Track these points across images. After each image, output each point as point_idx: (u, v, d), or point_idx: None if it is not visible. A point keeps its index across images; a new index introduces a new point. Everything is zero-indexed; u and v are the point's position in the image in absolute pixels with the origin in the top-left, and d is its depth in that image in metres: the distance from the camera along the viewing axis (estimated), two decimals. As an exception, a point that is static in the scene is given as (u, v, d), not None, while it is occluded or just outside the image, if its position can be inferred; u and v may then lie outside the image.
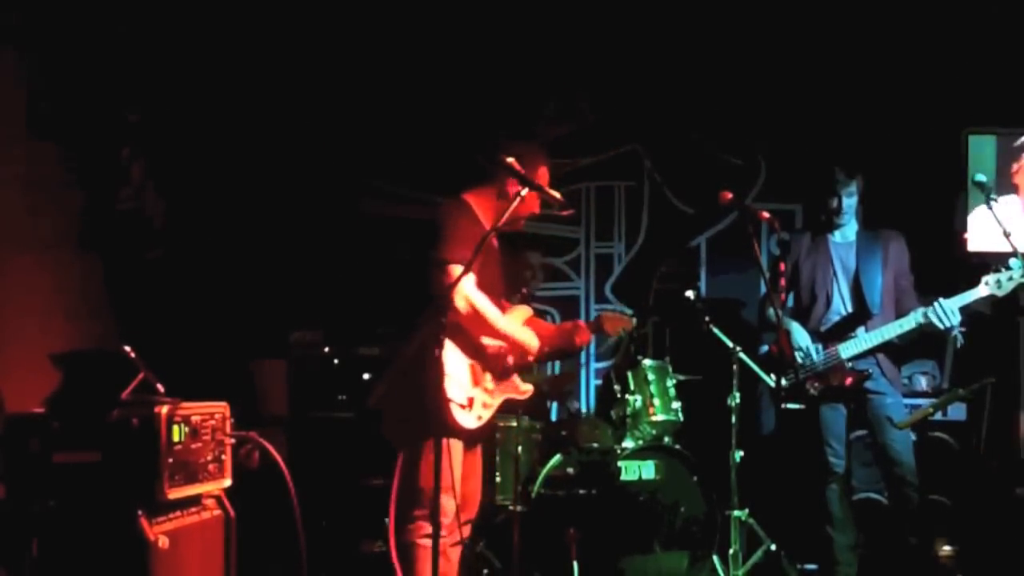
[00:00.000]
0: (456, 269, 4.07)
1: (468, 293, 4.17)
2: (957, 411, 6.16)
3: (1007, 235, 5.16)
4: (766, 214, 4.75)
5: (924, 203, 6.48)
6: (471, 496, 4.42)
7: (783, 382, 5.20)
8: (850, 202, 5.44)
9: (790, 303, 5.63)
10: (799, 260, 5.54)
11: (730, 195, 4.60)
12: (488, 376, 4.39)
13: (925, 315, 5.16)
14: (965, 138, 6.32)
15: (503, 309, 4.44)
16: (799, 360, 5.30)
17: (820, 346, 5.36)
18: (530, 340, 4.44)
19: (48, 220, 5.31)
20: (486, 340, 4.35)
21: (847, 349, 5.30)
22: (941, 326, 5.16)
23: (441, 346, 3.88)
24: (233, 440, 4.25)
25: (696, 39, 6.76)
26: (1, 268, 4.99)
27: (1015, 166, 6.32)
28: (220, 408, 4.22)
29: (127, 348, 4.42)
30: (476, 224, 4.29)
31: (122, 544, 3.81)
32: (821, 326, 5.42)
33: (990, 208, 5.21)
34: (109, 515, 3.83)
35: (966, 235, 6.21)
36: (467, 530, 4.39)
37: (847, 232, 5.51)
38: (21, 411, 4.33)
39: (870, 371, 5.27)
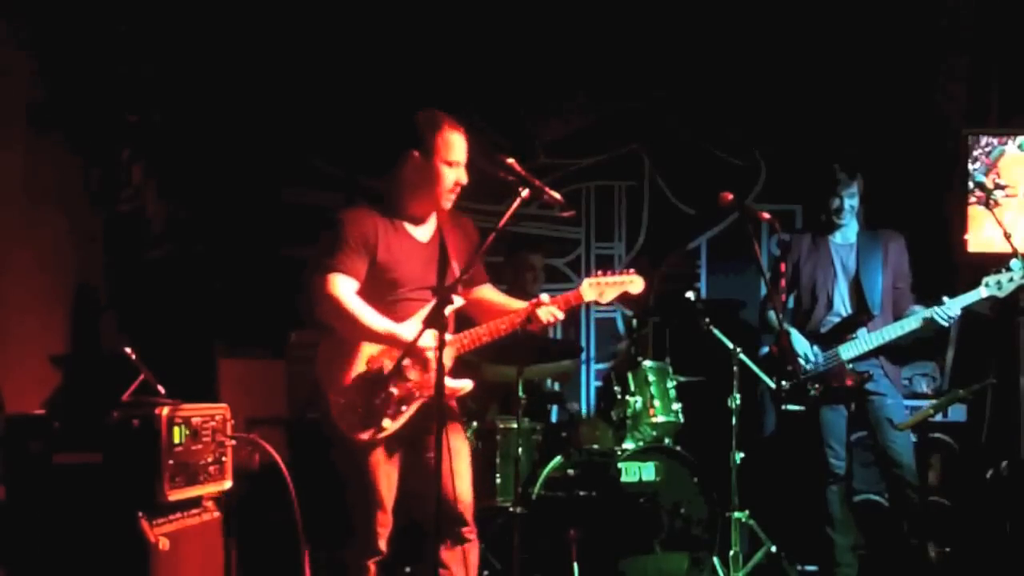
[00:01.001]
0: (335, 277, 3.93)
1: (339, 296, 3.93)
2: (957, 412, 6.16)
3: (1007, 236, 5.16)
4: (766, 215, 4.74)
5: (924, 204, 6.47)
6: (461, 501, 4.08)
7: (784, 384, 5.21)
8: (851, 203, 5.44)
9: (790, 304, 5.63)
10: (799, 261, 5.54)
11: (730, 196, 4.60)
12: (396, 380, 3.98)
13: (927, 317, 5.16)
14: (965, 138, 6.32)
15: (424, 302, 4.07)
16: (799, 364, 5.29)
17: (818, 348, 5.36)
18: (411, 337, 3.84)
19: (48, 220, 5.30)
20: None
21: (847, 350, 5.30)
22: (943, 324, 5.17)
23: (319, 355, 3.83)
24: (234, 442, 4.25)
25: (697, 39, 6.76)
26: (1, 267, 4.98)
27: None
28: (220, 409, 4.22)
29: (127, 349, 4.41)
30: (370, 225, 4.02)
31: (122, 546, 3.81)
32: (821, 328, 5.42)
33: (990, 209, 5.21)
34: (109, 516, 3.83)
35: (966, 236, 6.21)
36: (470, 533, 4.12)
37: (848, 233, 5.51)
38: (21, 411, 4.33)
39: (871, 372, 5.27)
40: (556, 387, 6.53)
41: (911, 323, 5.21)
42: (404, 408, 3.99)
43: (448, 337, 4.01)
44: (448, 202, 4.10)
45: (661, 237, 7.14)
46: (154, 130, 6.06)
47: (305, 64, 6.60)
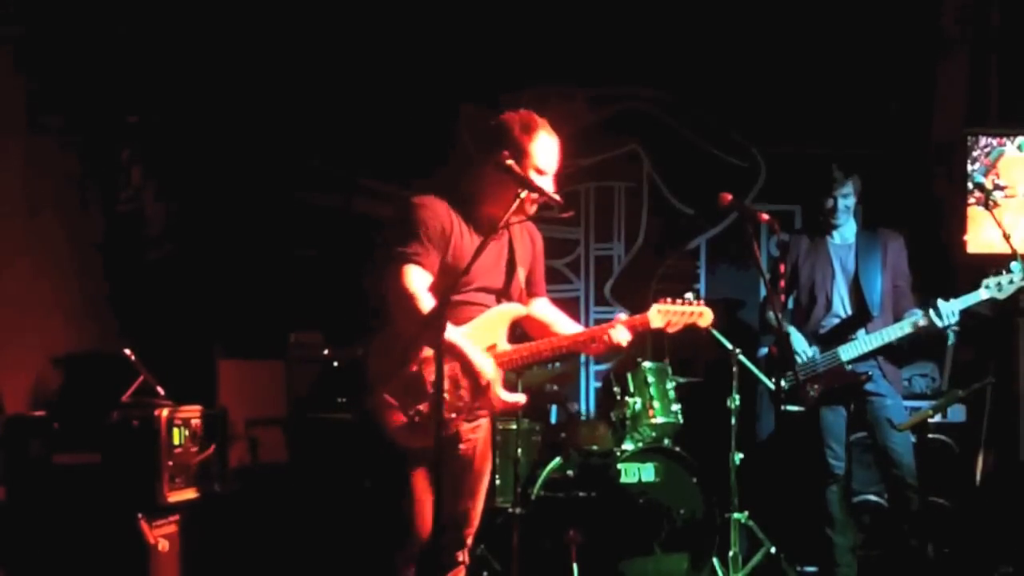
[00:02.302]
0: (412, 269, 3.71)
1: (415, 291, 3.70)
2: (957, 413, 6.16)
3: (1006, 237, 5.16)
4: (766, 215, 4.71)
5: (923, 204, 6.48)
6: (462, 520, 4.00)
7: (783, 384, 5.20)
8: (845, 203, 5.43)
9: (790, 305, 5.63)
10: (798, 262, 5.54)
11: (730, 196, 4.58)
12: (449, 386, 3.75)
13: (925, 316, 5.17)
14: (964, 138, 6.32)
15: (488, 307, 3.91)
16: (798, 365, 5.29)
17: (817, 349, 5.36)
18: (478, 360, 3.74)
19: (48, 221, 5.31)
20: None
21: (847, 351, 5.30)
22: (940, 325, 5.17)
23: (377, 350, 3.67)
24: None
25: (697, 39, 6.75)
26: (1, 269, 4.99)
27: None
28: (220, 411, 4.23)
29: (127, 350, 4.42)
30: (447, 216, 3.81)
31: (122, 546, 3.82)
32: (820, 328, 5.42)
33: (989, 210, 5.20)
34: (109, 517, 3.84)
35: (965, 237, 6.21)
36: (462, 555, 4.00)
37: (846, 233, 5.51)
38: (21, 412, 4.34)
39: (869, 373, 5.27)
40: (555, 387, 6.53)
41: (908, 326, 5.21)
42: (453, 415, 3.79)
43: (506, 347, 3.89)
44: (531, 212, 3.87)
45: (660, 238, 7.14)
46: (154, 131, 6.07)
47: (304, 63, 6.60)
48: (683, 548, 5.52)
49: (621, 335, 3.90)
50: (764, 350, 5.64)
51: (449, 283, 3.65)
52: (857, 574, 5.39)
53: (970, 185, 6.12)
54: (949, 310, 5.13)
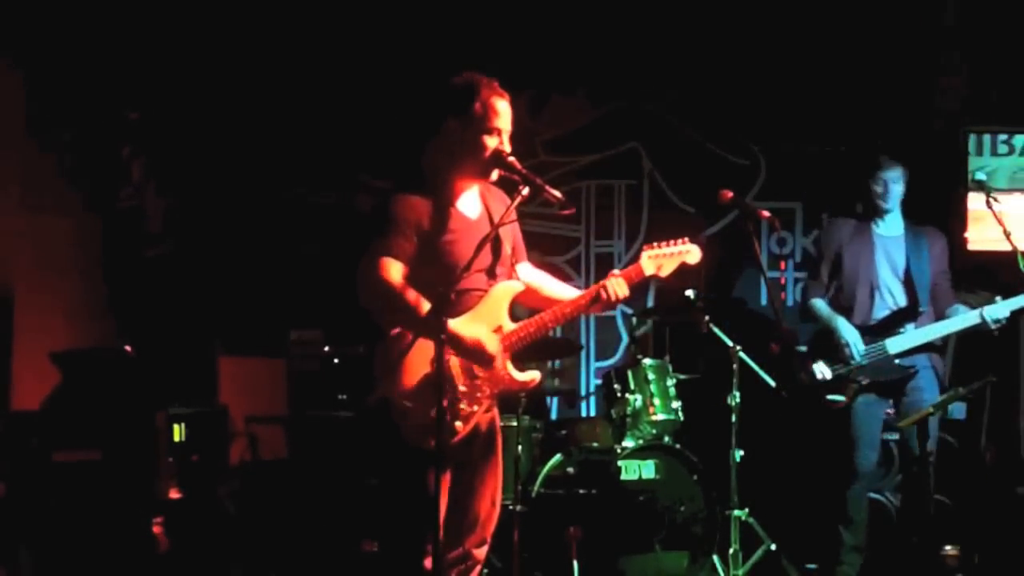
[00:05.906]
0: (385, 261, 3.61)
1: (389, 280, 3.62)
2: (957, 410, 6.15)
3: (1007, 234, 5.14)
4: (766, 213, 4.70)
5: (924, 202, 6.47)
6: (486, 518, 3.83)
7: (828, 374, 5.15)
8: (897, 187, 5.30)
9: (831, 292, 5.51)
10: (842, 248, 5.40)
11: (730, 194, 4.57)
12: (463, 376, 3.70)
13: (981, 315, 5.10)
14: (965, 136, 6.32)
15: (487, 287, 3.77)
16: (847, 354, 5.20)
17: (861, 338, 5.25)
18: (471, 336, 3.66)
19: (48, 220, 5.32)
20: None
21: (894, 345, 5.19)
22: (992, 325, 5.12)
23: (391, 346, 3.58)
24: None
25: (696, 37, 6.76)
26: (2, 266, 4.99)
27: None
28: (220, 409, 4.23)
29: (127, 347, 4.43)
30: (421, 207, 3.69)
31: (123, 543, 3.82)
32: (870, 319, 5.32)
33: (990, 207, 5.20)
34: (109, 514, 3.84)
35: (966, 234, 6.20)
36: (482, 553, 3.86)
37: (892, 225, 5.38)
38: (22, 409, 4.34)
39: (916, 368, 5.20)
40: (557, 383, 6.53)
41: (960, 323, 5.12)
42: (475, 408, 3.72)
43: (512, 326, 3.80)
44: (494, 174, 3.77)
45: (661, 235, 7.11)
46: (154, 127, 6.07)
47: (306, 60, 6.60)
48: (683, 545, 5.51)
49: (621, 289, 3.86)
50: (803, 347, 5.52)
51: (447, 281, 3.56)
52: (857, 573, 5.36)
53: (970, 183, 6.11)
54: (997, 312, 5.07)
